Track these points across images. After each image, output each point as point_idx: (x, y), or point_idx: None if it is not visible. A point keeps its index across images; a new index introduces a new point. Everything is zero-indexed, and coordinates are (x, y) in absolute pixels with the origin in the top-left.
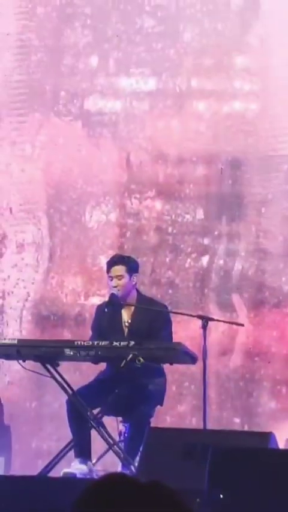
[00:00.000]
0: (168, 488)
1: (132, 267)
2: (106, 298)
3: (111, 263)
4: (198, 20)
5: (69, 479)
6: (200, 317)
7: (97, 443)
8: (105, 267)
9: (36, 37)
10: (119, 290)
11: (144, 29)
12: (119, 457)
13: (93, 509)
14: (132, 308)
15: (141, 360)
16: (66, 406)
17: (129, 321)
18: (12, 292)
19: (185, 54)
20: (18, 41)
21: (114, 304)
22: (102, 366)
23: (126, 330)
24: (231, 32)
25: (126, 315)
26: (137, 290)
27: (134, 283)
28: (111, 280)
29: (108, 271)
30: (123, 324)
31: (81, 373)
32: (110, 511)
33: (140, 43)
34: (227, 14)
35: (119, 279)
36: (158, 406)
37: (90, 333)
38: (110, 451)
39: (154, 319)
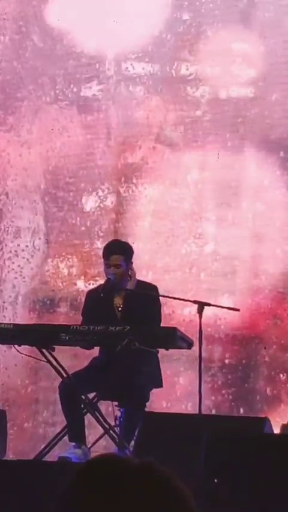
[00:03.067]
0: (161, 467)
1: (129, 255)
2: (101, 283)
3: (110, 251)
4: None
5: (65, 464)
6: (195, 302)
7: (92, 427)
8: (101, 252)
9: (31, 23)
10: (116, 278)
11: (142, 15)
12: (114, 441)
13: (84, 489)
14: (124, 292)
15: (137, 344)
16: (59, 390)
17: (122, 305)
18: (8, 277)
19: (182, 40)
20: (14, 24)
21: (109, 289)
22: (96, 351)
23: (119, 314)
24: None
25: (118, 300)
26: (130, 276)
27: (130, 271)
28: (109, 267)
29: (106, 258)
30: (115, 309)
31: (78, 359)
32: (101, 490)
33: (137, 29)
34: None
35: (117, 268)
36: (154, 390)
37: (81, 318)
38: (106, 436)
39: (146, 302)
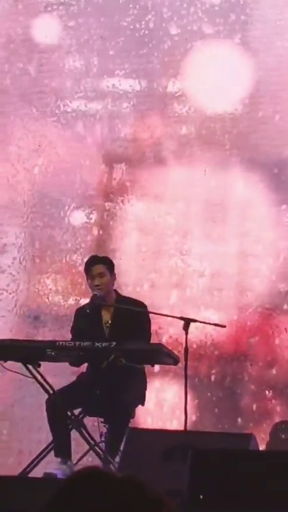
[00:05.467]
0: (142, 481)
1: (110, 265)
2: (87, 300)
3: (91, 263)
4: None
5: (50, 480)
6: (182, 318)
7: (78, 444)
8: None
9: (20, 35)
10: (101, 289)
11: (129, 30)
12: (99, 457)
13: (67, 502)
14: (112, 309)
15: (123, 360)
16: (46, 406)
17: (110, 322)
18: None
19: (168, 55)
20: (1, 40)
21: (96, 305)
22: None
23: (107, 330)
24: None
25: (106, 316)
26: (115, 290)
27: (113, 282)
28: (93, 279)
29: (88, 271)
30: (103, 325)
31: (63, 377)
32: (83, 502)
33: (123, 44)
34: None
35: (101, 277)
36: (140, 406)
37: (69, 336)
38: (91, 452)
39: (134, 319)
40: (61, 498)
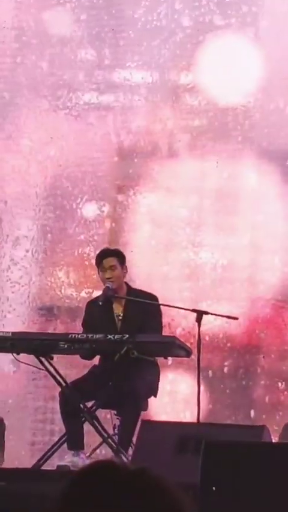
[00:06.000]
0: (155, 473)
1: (122, 258)
2: (100, 292)
3: (102, 255)
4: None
5: (63, 472)
6: (194, 311)
7: (91, 436)
8: None
9: (32, 27)
10: (113, 281)
11: (141, 22)
12: (112, 450)
13: (78, 494)
14: (124, 301)
15: (135, 353)
16: (59, 398)
17: (122, 314)
18: (7, 286)
19: (180, 47)
20: (14, 32)
21: (108, 297)
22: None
23: (119, 323)
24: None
25: (118, 308)
26: (126, 283)
27: (125, 274)
28: (104, 272)
29: (99, 263)
30: (115, 317)
31: (76, 369)
32: (95, 495)
33: (135, 36)
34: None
35: (113, 270)
36: (152, 398)
37: (81, 329)
38: (104, 444)
39: (146, 311)
40: (73, 490)
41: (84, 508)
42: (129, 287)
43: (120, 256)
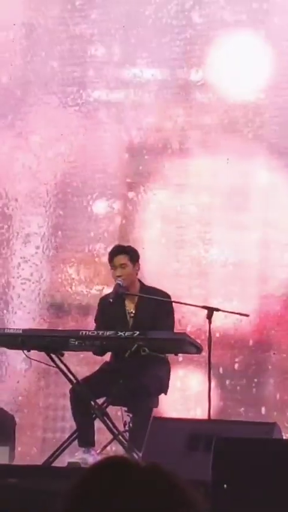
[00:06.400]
0: (168, 470)
1: (134, 256)
2: (111, 289)
3: (114, 253)
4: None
5: (74, 469)
6: (205, 307)
7: (102, 433)
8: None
9: (42, 25)
10: (123, 279)
11: (151, 19)
12: (123, 446)
13: (90, 490)
14: (136, 298)
15: (146, 350)
16: (70, 395)
17: (134, 311)
18: (18, 283)
19: (190, 44)
20: (24, 28)
21: (119, 294)
22: (106, 356)
23: (131, 320)
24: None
25: (130, 305)
26: (139, 280)
27: (137, 272)
28: (115, 270)
29: (110, 261)
30: (127, 314)
31: (87, 366)
32: (107, 491)
33: (145, 33)
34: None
35: (123, 268)
36: (163, 395)
37: (94, 325)
38: (115, 441)
39: (158, 309)
40: (84, 487)
41: (96, 504)
42: (142, 284)
43: (131, 254)
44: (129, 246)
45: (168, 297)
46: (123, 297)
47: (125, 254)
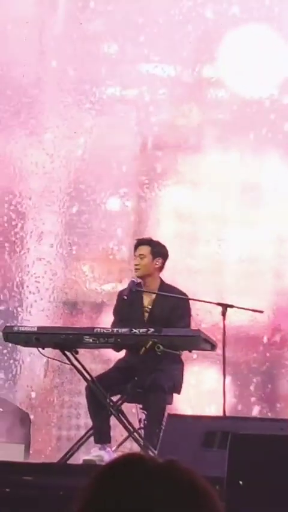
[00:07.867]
0: (185, 466)
1: (157, 250)
2: (124, 286)
3: (136, 244)
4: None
5: (89, 466)
6: (219, 304)
7: (117, 430)
8: (124, 255)
9: (55, 22)
10: (137, 269)
11: (163, 16)
12: (138, 444)
13: (106, 486)
14: (153, 294)
15: (161, 347)
16: (86, 392)
17: (150, 307)
18: (32, 281)
19: (203, 40)
20: (36, 27)
21: (133, 291)
22: (122, 352)
23: (146, 315)
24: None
25: (147, 301)
26: (160, 278)
27: (156, 266)
28: (135, 259)
29: (134, 250)
30: (143, 309)
31: (102, 363)
32: (123, 488)
33: (158, 30)
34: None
35: (141, 258)
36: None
37: (108, 322)
38: (130, 438)
39: (175, 307)
40: (100, 484)
41: (112, 502)
42: (162, 282)
43: (153, 246)
44: (157, 241)
45: (186, 296)
46: (141, 292)
47: (147, 245)
